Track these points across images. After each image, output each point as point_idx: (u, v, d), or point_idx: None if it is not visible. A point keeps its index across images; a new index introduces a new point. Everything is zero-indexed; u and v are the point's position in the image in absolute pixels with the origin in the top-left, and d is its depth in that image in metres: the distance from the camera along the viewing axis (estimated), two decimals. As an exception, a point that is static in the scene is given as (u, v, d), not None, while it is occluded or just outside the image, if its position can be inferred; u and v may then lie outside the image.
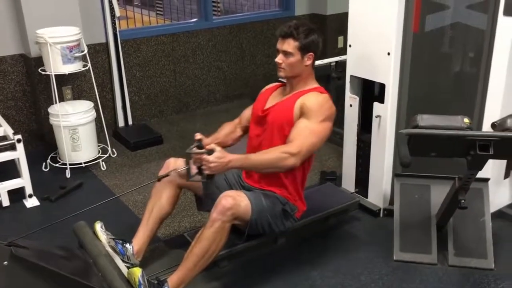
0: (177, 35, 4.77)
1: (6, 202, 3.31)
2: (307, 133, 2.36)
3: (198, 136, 2.35)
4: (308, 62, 2.47)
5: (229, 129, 2.72)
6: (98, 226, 2.49)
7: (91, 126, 3.82)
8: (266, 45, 5.28)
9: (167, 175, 2.49)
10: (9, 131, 3.42)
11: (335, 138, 4.10)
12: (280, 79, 2.57)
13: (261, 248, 2.72)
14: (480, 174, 2.38)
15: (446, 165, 2.70)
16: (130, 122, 4.58)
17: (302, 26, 2.44)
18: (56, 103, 3.73)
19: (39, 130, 4.17)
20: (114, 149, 4.10)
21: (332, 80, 4.14)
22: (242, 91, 5.18)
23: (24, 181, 3.35)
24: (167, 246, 2.86)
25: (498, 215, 3.00)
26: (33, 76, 3.94)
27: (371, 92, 3.00)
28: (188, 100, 5.00)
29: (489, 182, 2.79)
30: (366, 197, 3.17)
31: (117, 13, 4.20)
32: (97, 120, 3.93)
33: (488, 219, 2.74)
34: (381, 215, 3.10)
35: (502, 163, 2.94)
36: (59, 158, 3.87)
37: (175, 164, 2.55)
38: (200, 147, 2.29)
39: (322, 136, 2.41)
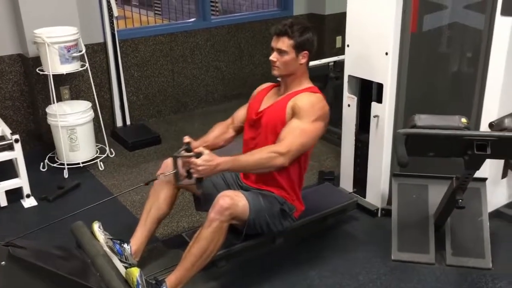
0: (175, 35, 4.77)
1: (3, 202, 3.31)
2: (297, 132, 2.35)
3: (186, 139, 2.33)
4: (303, 61, 2.46)
5: (220, 130, 2.68)
6: (96, 226, 2.49)
7: (89, 126, 3.82)
8: (264, 45, 5.28)
9: (155, 179, 2.46)
10: (7, 131, 3.41)
11: (333, 138, 4.12)
12: (278, 79, 2.57)
13: (259, 248, 2.72)
14: (478, 174, 2.38)
15: (443, 165, 2.70)
16: (128, 122, 4.58)
17: (297, 24, 2.43)
18: (54, 103, 3.73)
19: (37, 130, 4.17)
20: (112, 149, 4.10)
21: (330, 80, 4.14)
22: (240, 91, 5.17)
23: (21, 181, 3.34)
24: (165, 246, 2.86)
25: (496, 214, 3.01)
26: (31, 76, 3.93)
27: (369, 92, 3.00)
28: (186, 100, 5.00)
29: (487, 181, 2.80)
30: (364, 197, 3.18)
31: (115, 12, 4.20)
32: (95, 120, 3.93)
33: (485, 219, 2.75)
34: (379, 215, 3.11)
35: (500, 162, 2.95)
36: (57, 158, 3.87)
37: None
38: (188, 150, 2.26)
39: (312, 136, 2.39)
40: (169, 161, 2.54)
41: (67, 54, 3.59)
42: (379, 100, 2.90)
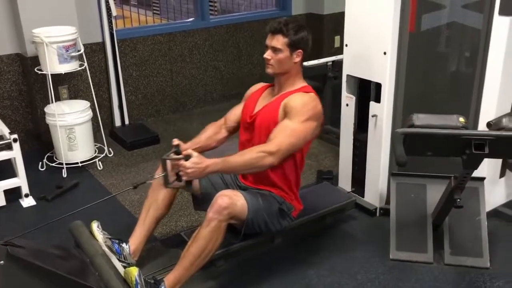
0: (173, 34, 4.77)
1: (2, 202, 3.30)
2: (287, 132, 2.33)
3: (175, 141, 2.30)
4: (297, 59, 2.45)
5: (212, 131, 2.66)
6: (95, 225, 2.49)
7: (88, 126, 3.82)
8: (263, 45, 5.19)
9: (144, 183, 2.43)
10: (5, 131, 3.41)
11: (331, 137, 4.13)
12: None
13: (258, 247, 2.72)
14: (476, 173, 2.38)
15: (442, 164, 2.71)
16: (126, 122, 4.58)
17: (292, 22, 2.42)
18: (52, 102, 3.73)
19: (36, 130, 4.17)
20: (110, 149, 4.10)
21: (328, 79, 4.14)
22: (239, 91, 5.11)
23: (20, 180, 3.34)
24: (164, 245, 2.86)
25: (494, 214, 3.01)
26: (29, 76, 3.93)
27: (367, 91, 3.01)
28: (184, 99, 5.00)
29: (485, 181, 2.80)
30: (363, 196, 3.18)
31: (114, 12, 4.20)
32: (94, 119, 3.92)
33: (483, 218, 2.75)
34: (378, 214, 3.11)
35: (498, 162, 2.95)
36: (56, 157, 3.87)
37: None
38: (177, 152, 2.24)
39: (303, 136, 2.37)
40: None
41: (65, 54, 3.59)
42: (378, 100, 2.90)
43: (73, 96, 4.08)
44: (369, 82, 2.96)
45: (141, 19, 6.01)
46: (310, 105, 2.40)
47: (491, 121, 2.66)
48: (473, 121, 2.83)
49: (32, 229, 2.45)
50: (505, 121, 2.25)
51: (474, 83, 2.82)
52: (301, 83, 2.52)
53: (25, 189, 3.36)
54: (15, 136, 3.27)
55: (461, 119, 2.19)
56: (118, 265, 2.33)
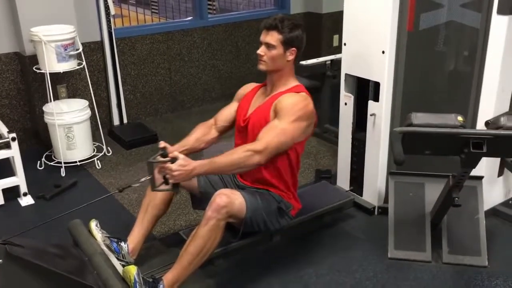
0: (172, 33, 4.77)
1: (0, 201, 3.30)
2: (276, 131, 2.32)
3: (162, 144, 2.27)
4: (290, 57, 2.43)
5: (201, 132, 2.62)
6: (93, 224, 2.49)
7: (86, 125, 3.82)
8: (261, 44, 5.27)
9: (129, 186, 2.41)
10: (4, 130, 3.41)
11: (330, 136, 4.13)
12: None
13: (256, 246, 2.73)
14: (474, 172, 2.39)
15: (440, 163, 2.71)
16: (125, 121, 4.57)
17: (288, 20, 2.41)
18: (50, 101, 3.72)
19: (34, 129, 4.16)
20: (109, 148, 4.10)
21: (327, 78, 4.15)
22: (237, 90, 5.14)
23: (18, 179, 3.34)
24: (162, 244, 2.86)
25: (492, 212, 3.02)
26: (28, 74, 3.93)
27: (366, 90, 3.01)
28: (183, 98, 5.00)
29: (483, 180, 2.81)
30: (361, 195, 3.18)
31: (112, 11, 4.20)
32: (92, 118, 3.92)
33: (482, 217, 2.76)
34: (376, 213, 3.11)
35: (496, 161, 2.95)
36: (54, 156, 3.86)
37: None
38: (164, 155, 2.20)
39: (291, 135, 2.35)
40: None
41: (64, 53, 3.59)
42: (376, 99, 2.91)
43: (72, 95, 4.08)
44: (367, 81, 2.96)
45: (140, 18, 6.01)
46: (300, 104, 2.39)
47: (489, 120, 2.66)
48: (472, 120, 2.83)
49: (30, 227, 2.45)
50: (503, 120, 2.25)
51: (473, 82, 2.82)
52: (293, 82, 2.51)
53: (23, 188, 3.36)
54: (14, 135, 3.26)
55: (460, 118, 2.19)
56: (117, 264, 2.33)
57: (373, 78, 2.90)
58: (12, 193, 3.35)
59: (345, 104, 3.13)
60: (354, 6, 2.91)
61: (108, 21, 4.23)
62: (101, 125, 4.05)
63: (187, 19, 5.14)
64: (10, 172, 3.39)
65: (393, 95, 2.89)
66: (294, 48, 2.42)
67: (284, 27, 2.38)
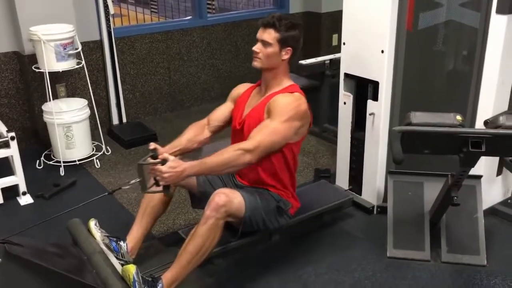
0: (171, 32, 4.77)
1: (-1, 200, 3.31)
2: (267, 131, 2.32)
3: (152, 145, 2.27)
4: (285, 57, 2.43)
5: (194, 133, 2.61)
6: (93, 223, 2.49)
7: (85, 124, 3.82)
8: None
9: (119, 189, 2.39)
10: (3, 129, 3.40)
11: (329, 135, 4.13)
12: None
13: (255, 245, 2.73)
14: (473, 171, 2.39)
15: (439, 162, 2.71)
16: (124, 120, 4.57)
17: (286, 19, 2.40)
18: (50, 100, 3.72)
19: (33, 128, 4.16)
20: (108, 147, 4.10)
21: (326, 78, 4.15)
22: (236, 89, 5.17)
23: (18, 178, 3.34)
24: (162, 243, 2.86)
25: (491, 212, 3.03)
26: (27, 74, 3.93)
27: (365, 90, 3.01)
28: (182, 97, 5.00)
29: (482, 179, 2.81)
30: (360, 194, 3.19)
31: (112, 10, 4.19)
32: (91, 117, 3.92)
33: (480, 216, 2.76)
34: (375, 212, 3.12)
35: (495, 160, 2.96)
36: (53, 155, 3.86)
37: None
38: (154, 157, 2.19)
39: (282, 135, 2.35)
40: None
41: (63, 52, 3.59)
42: (375, 98, 2.91)
43: (71, 94, 4.08)
44: (366, 80, 2.96)
45: (139, 17, 6.01)
46: (293, 104, 2.38)
47: (488, 119, 2.67)
48: (470, 119, 2.84)
49: (29, 226, 2.45)
50: (502, 119, 2.25)
51: (472, 81, 2.83)
52: (288, 82, 2.50)
53: (22, 187, 3.36)
54: (13, 134, 3.26)
55: (458, 117, 2.19)
56: (116, 263, 2.33)
57: (372, 77, 2.90)
58: (11, 192, 3.35)
59: (344, 103, 3.13)
60: (354, 6, 2.91)
61: (108, 20, 4.22)
62: (100, 124, 4.05)
63: (186, 18, 5.15)
64: (9, 171, 3.39)
65: (392, 94, 2.89)
66: (290, 48, 2.41)
67: (281, 25, 2.37)
